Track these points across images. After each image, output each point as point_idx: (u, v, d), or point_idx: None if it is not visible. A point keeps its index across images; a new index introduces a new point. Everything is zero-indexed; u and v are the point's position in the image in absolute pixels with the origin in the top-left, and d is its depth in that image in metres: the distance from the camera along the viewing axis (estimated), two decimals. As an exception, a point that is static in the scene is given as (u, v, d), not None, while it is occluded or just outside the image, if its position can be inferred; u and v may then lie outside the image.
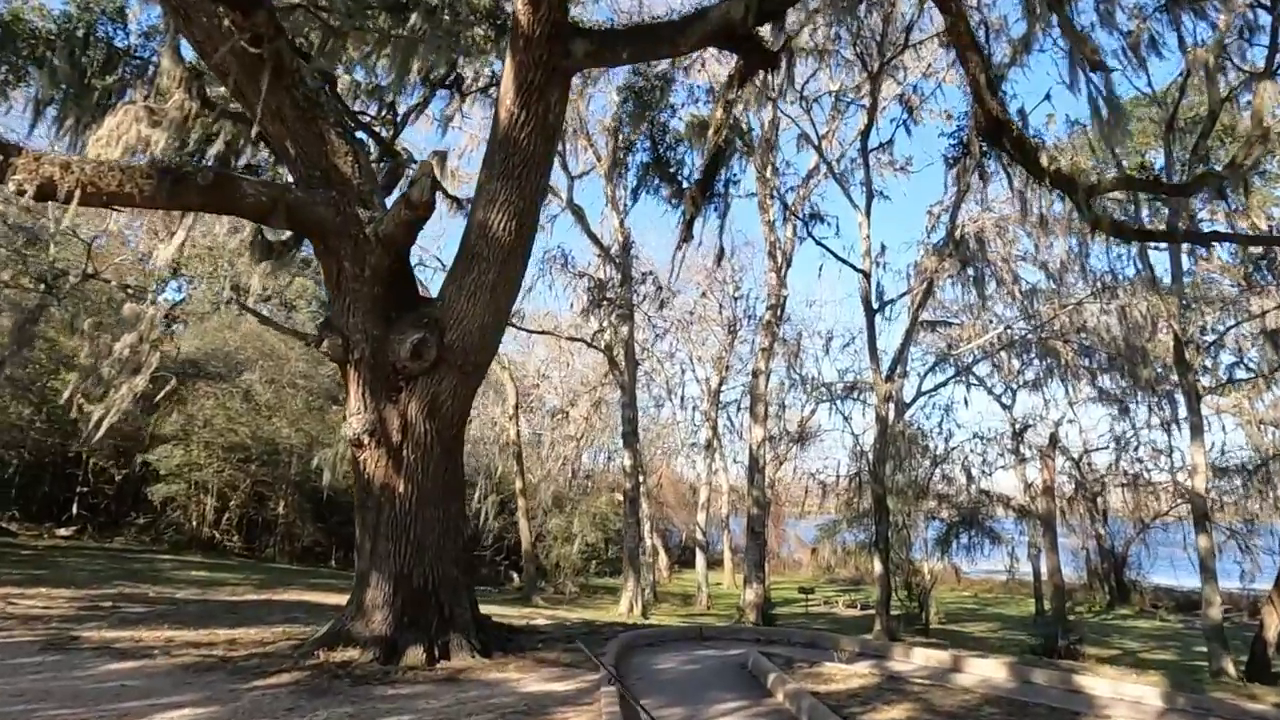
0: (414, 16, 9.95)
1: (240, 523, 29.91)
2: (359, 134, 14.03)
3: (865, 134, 21.62)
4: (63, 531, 26.51)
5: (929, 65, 20.99)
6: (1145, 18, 12.32)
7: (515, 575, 31.74)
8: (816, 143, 23.59)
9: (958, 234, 21.23)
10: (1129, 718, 7.48)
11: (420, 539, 8.73)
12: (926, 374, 25.94)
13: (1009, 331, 25.12)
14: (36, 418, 25.98)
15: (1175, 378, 21.64)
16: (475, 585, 28.57)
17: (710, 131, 10.10)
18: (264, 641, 9.26)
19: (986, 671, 9.27)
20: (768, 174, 23.37)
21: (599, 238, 25.80)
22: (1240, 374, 23.04)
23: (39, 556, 19.74)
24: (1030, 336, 24.36)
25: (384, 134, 14.05)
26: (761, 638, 11.63)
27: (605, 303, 23.57)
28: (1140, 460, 27.77)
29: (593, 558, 34.49)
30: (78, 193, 7.06)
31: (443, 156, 16.90)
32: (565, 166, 24.76)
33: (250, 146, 12.49)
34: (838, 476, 27.62)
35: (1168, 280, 19.57)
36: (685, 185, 13.28)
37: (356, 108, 14.26)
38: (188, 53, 10.38)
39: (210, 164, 10.14)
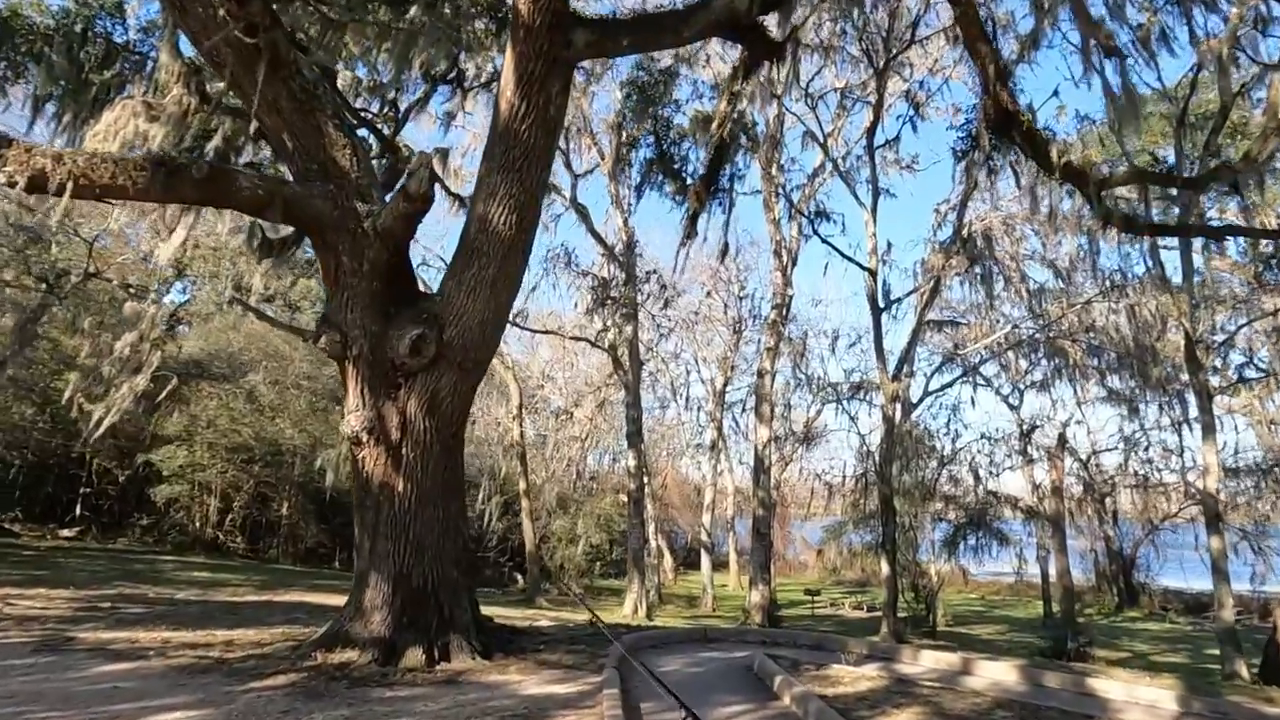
0: (413, 9, 9.82)
1: (243, 524, 29.82)
2: (360, 131, 13.97)
3: (871, 131, 21.46)
4: (66, 532, 26.44)
5: (935, 61, 20.79)
6: (1156, 10, 12.11)
7: (520, 577, 31.59)
8: (822, 140, 23.43)
9: (965, 232, 21.03)
10: (1144, 723, 7.30)
11: (420, 539, 8.58)
12: (933, 374, 25.81)
13: (1016, 331, 24.93)
14: (40, 418, 25.92)
15: (1185, 377, 21.45)
16: (479, 587, 28.45)
17: (714, 125, 9.95)
18: (261, 643, 9.12)
19: (997, 674, 9.08)
20: (773, 171, 23.20)
21: (603, 236, 25.67)
22: (1250, 373, 22.84)
23: (40, 557, 19.65)
24: (1038, 336, 24.16)
25: (385, 131, 13.94)
26: (767, 640, 11.44)
27: (609, 302, 23.43)
28: (1150, 461, 27.55)
29: (597, 559, 34.35)
30: (70, 185, 6.92)
31: (444, 154, 16.81)
32: (569, 165, 24.64)
33: (251, 143, 12.39)
34: (844, 477, 27.52)
35: (1177, 279, 19.39)
36: (689, 181, 13.14)
37: (358, 105, 14.17)
38: (187, 49, 10.29)
39: (207, 158, 10.00)
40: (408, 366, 8.52)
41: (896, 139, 22.43)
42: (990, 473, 25.69)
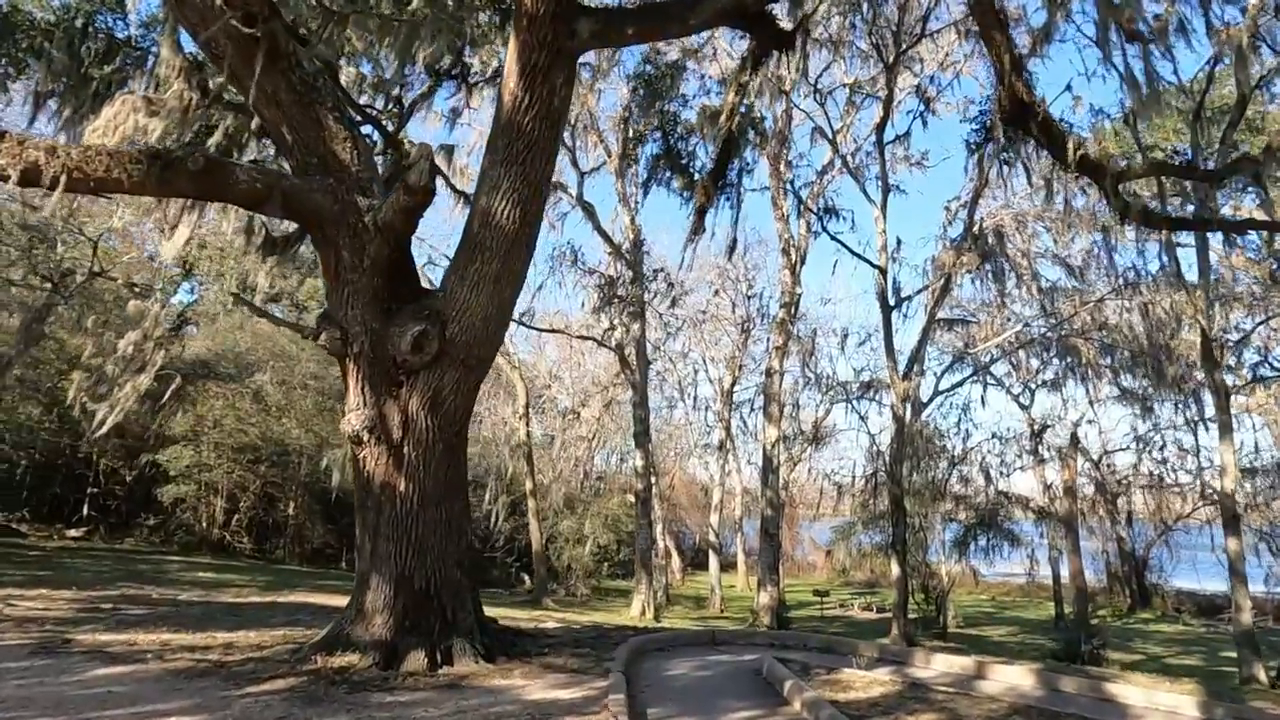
0: (415, 1, 9.65)
1: (250, 524, 29.71)
2: (365, 127, 13.82)
3: (881, 127, 21.22)
4: (73, 533, 26.38)
5: (946, 55, 20.56)
6: (1173, 0, 11.85)
7: (527, 577, 31.44)
8: (831, 136, 23.20)
9: (976, 229, 20.78)
10: (1166, 730, 7.08)
11: (422, 540, 8.40)
12: (944, 373, 25.55)
13: (1028, 330, 24.68)
14: (46, 418, 25.90)
15: (1199, 376, 21.14)
16: (486, 587, 28.41)
17: (723, 117, 9.74)
18: (262, 645, 8.96)
19: (1012, 679, 8.87)
20: (781, 168, 22.98)
21: (609, 235, 25.49)
22: (1266, 372, 22.52)
23: (46, 557, 19.58)
24: (1050, 335, 23.90)
25: (389, 127, 13.80)
26: (776, 642, 11.24)
27: (616, 300, 23.25)
28: (1165, 461, 27.24)
29: (605, 560, 34.16)
30: (64, 178, 6.77)
31: (450, 150, 16.69)
32: (575, 163, 24.50)
33: (254, 140, 12.28)
34: (853, 477, 27.28)
35: (1191, 277, 19.11)
36: (697, 177, 12.94)
37: (363, 102, 14.02)
38: (189, 45, 10.16)
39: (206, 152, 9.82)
40: (409, 364, 8.35)
41: (906, 135, 22.08)
42: (1001, 473, 25.51)
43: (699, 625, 22.36)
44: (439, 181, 19.88)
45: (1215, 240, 19.19)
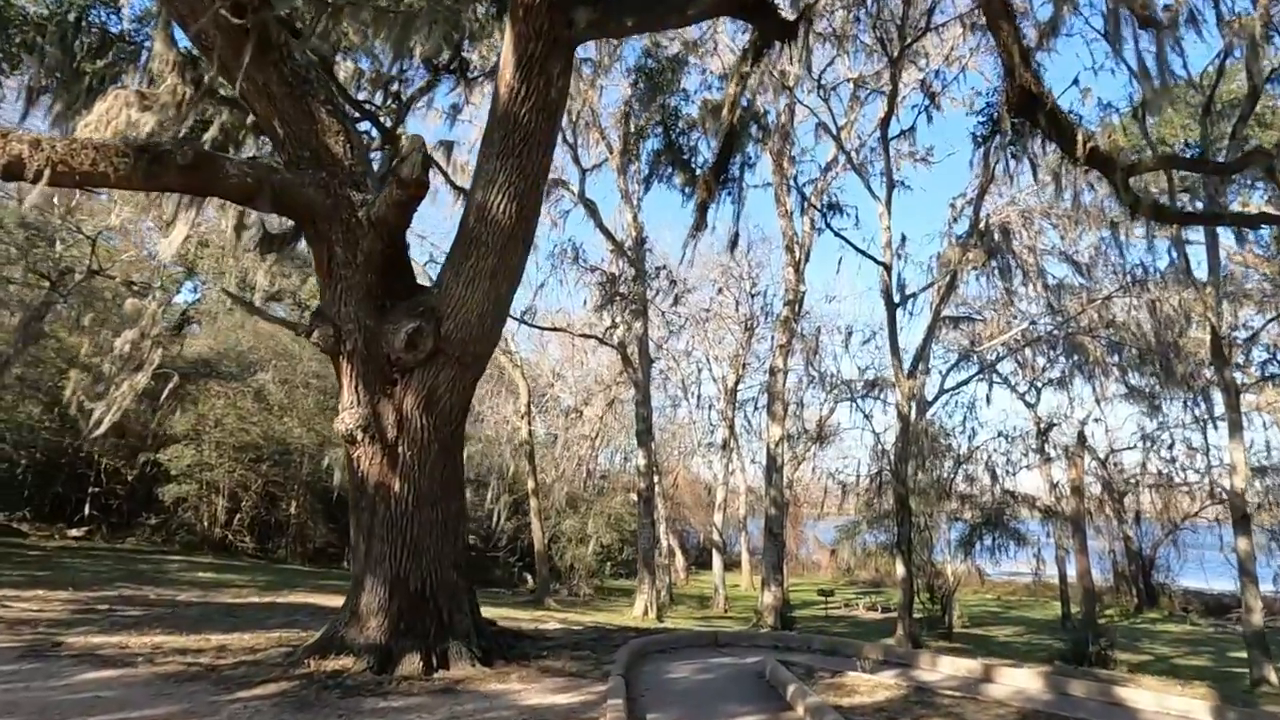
0: (411, -8, 9.48)
1: (252, 524, 29.59)
2: (363, 124, 13.66)
3: (885, 122, 20.98)
4: (74, 532, 26.28)
5: (951, 49, 20.31)
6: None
7: (529, 577, 31.29)
8: (835, 133, 22.98)
9: (983, 224, 20.56)
10: (1179, 735, 6.89)
11: (417, 541, 8.24)
12: (949, 371, 25.35)
13: (1034, 327, 24.45)
14: (48, 417, 25.80)
15: (1208, 374, 20.91)
16: (489, 587, 28.17)
17: (725, 110, 9.55)
18: (255, 648, 8.81)
19: (1020, 682, 8.68)
20: (784, 164, 22.76)
21: (612, 232, 25.31)
22: (1276, 370, 22.27)
23: (45, 557, 19.47)
24: (1056, 332, 23.68)
25: (388, 124, 13.63)
26: (780, 644, 11.05)
27: (618, 298, 23.07)
28: (1174, 460, 27.00)
29: (608, 559, 34.04)
30: (48, 172, 6.62)
31: (449, 147, 16.53)
32: (577, 160, 24.33)
33: (251, 137, 12.13)
34: (858, 476, 27.12)
35: (1200, 274, 18.87)
36: (698, 172, 12.76)
37: (361, 98, 13.87)
38: (183, 40, 10.01)
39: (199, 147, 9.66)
40: (404, 361, 8.19)
41: (911, 130, 21.90)
42: (1007, 472, 25.28)
43: (702, 625, 22.21)
44: (440, 179, 19.83)
45: (1225, 237, 18.96)
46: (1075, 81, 32.41)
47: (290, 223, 11.07)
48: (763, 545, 25.14)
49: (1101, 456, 30.13)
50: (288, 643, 9.09)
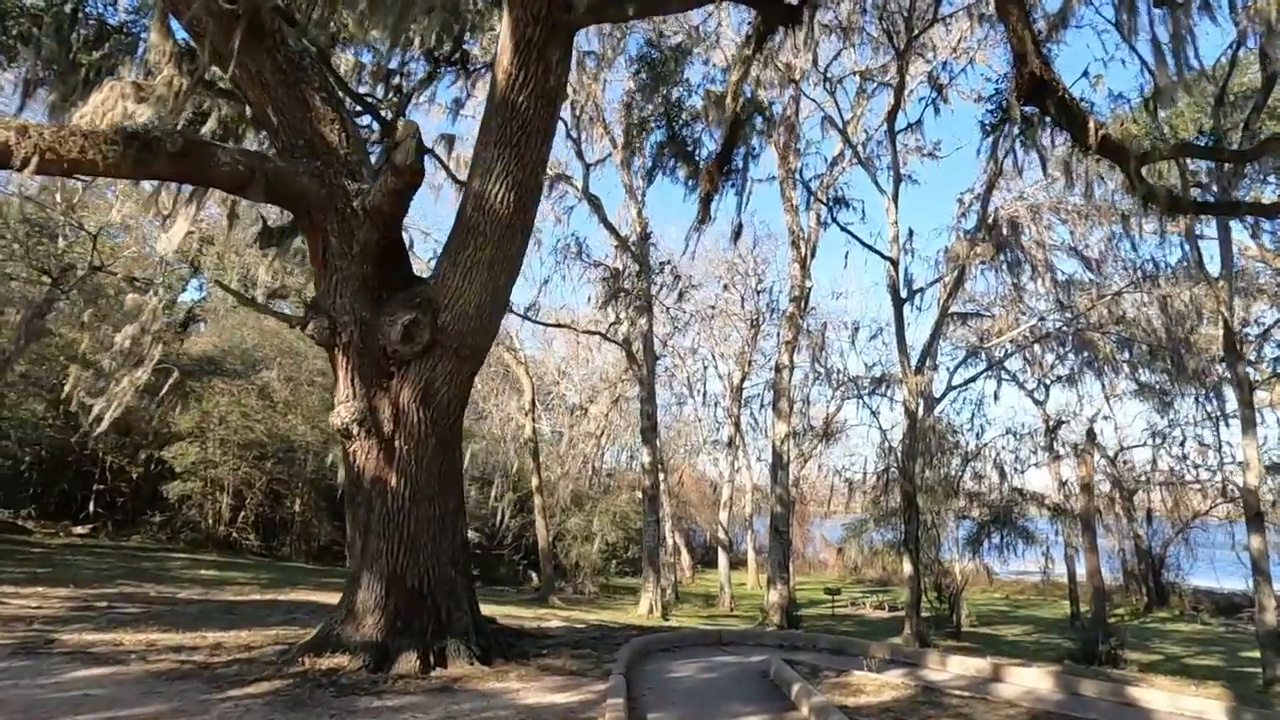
0: (409, -21, 9.30)
1: (256, 521, 29.56)
2: (363, 117, 13.54)
3: (892, 115, 20.76)
4: (79, 529, 26.27)
5: (959, 41, 20.07)
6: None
7: (534, 575, 31.18)
8: (841, 126, 22.74)
9: (991, 219, 20.31)
10: (1194, 737, 6.70)
11: (414, 537, 8.09)
12: (957, 368, 25.12)
13: (1043, 324, 24.19)
14: (52, 415, 25.77)
15: (1220, 370, 20.63)
16: (493, 585, 28.02)
17: (728, 99, 9.36)
18: (251, 646, 8.67)
19: (1030, 682, 8.50)
20: (790, 158, 22.52)
21: (616, 228, 25.14)
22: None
23: (48, 554, 19.42)
24: (1066, 329, 23.41)
25: (388, 117, 13.50)
26: (785, 643, 10.88)
27: (622, 294, 22.89)
28: (1184, 457, 26.67)
29: (613, 557, 33.94)
30: (35, 159, 6.48)
31: (451, 140, 16.40)
32: (581, 155, 24.17)
33: (250, 129, 12.00)
34: (865, 474, 26.90)
35: (1213, 268, 18.58)
36: (702, 164, 12.57)
37: (362, 91, 13.73)
38: (179, 31, 9.88)
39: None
40: (400, 354, 8.03)
41: (919, 123, 21.64)
42: (1015, 469, 25.03)
43: (708, 624, 22.06)
44: (442, 174, 19.67)
45: (1237, 232, 18.70)
46: (1085, 73, 32.12)
47: (290, 215, 10.95)
48: (769, 543, 24.93)
49: (1111, 454, 29.81)
50: (284, 640, 8.95)
